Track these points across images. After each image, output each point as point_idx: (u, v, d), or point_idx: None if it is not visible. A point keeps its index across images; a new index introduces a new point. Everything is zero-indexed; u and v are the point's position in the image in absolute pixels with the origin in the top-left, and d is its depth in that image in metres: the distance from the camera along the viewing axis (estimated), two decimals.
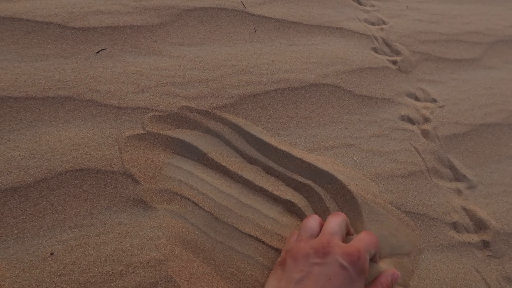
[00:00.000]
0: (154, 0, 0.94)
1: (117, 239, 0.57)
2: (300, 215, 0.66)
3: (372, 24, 1.19)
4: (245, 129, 0.74)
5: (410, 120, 0.91)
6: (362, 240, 0.53)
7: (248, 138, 0.74)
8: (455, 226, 0.73)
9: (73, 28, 0.81)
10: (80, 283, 0.52)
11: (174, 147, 0.70)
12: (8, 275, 0.50)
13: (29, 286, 0.50)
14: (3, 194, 0.57)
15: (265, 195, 0.68)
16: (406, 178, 0.78)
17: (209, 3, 0.99)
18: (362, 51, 1.05)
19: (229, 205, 0.65)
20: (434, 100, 0.99)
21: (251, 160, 0.72)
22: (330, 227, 0.54)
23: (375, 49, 1.08)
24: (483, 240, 0.73)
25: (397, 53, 1.10)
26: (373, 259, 0.56)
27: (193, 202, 0.64)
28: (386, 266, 0.52)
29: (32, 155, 0.62)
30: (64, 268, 0.53)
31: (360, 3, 1.26)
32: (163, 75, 0.80)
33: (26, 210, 0.57)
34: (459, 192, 0.80)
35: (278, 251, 0.61)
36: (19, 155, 0.61)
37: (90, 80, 0.74)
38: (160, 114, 0.73)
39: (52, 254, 0.54)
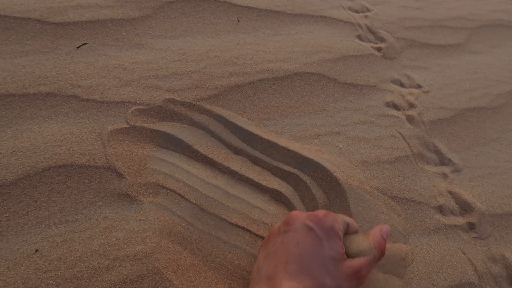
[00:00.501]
0: None
1: (103, 233, 0.57)
2: (287, 204, 0.67)
3: (356, 11, 1.19)
4: (230, 120, 0.74)
5: (395, 106, 0.91)
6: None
7: (233, 129, 0.74)
8: (441, 209, 0.74)
9: (52, 23, 0.80)
10: (66, 279, 0.51)
11: (158, 140, 0.69)
12: None
13: (14, 284, 0.50)
14: None
15: (251, 185, 0.68)
16: (392, 164, 0.78)
17: None
18: (347, 39, 1.05)
19: (216, 196, 0.65)
20: (419, 86, 1.00)
21: (236, 151, 0.72)
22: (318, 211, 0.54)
23: (359, 37, 1.08)
24: (469, 222, 0.74)
25: (382, 40, 1.10)
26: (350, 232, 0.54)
27: (179, 194, 0.63)
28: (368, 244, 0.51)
29: (14, 153, 0.61)
30: (49, 264, 0.52)
31: None
32: (146, 68, 0.79)
33: (9, 208, 0.56)
34: (444, 176, 0.81)
35: None
36: (0, 153, 0.60)
37: (71, 76, 0.73)
38: (144, 107, 0.72)
39: (37, 250, 0.53)
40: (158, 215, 0.60)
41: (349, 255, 0.50)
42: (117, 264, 0.54)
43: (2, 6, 0.79)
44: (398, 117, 0.89)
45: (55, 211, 0.57)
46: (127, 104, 0.72)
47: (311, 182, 0.69)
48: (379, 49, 1.06)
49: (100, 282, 0.52)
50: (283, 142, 0.73)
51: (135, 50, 0.82)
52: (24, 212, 0.56)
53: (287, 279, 0.43)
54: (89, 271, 0.53)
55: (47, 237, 0.55)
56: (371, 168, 0.76)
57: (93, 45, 0.80)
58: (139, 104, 0.73)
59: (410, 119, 0.89)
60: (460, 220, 0.74)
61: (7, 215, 0.55)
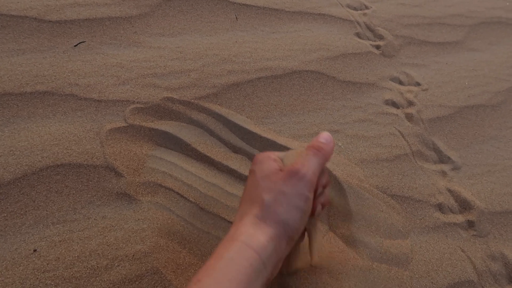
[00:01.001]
0: None
1: (102, 233, 0.56)
2: None
3: (355, 9, 1.18)
4: (228, 119, 0.74)
5: (394, 104, 0.91)
6: None
7: (232, 128, 0.74)
8: (440, 207, 0.74)
9: (49, 21, 0.80)
10: (65, 279, 0.51)
11: (157, 139, 0.69)
12: None
13: (12, 284, 0.50)
14: None
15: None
16: (391, 162, 0.78)
17: None
18: (345, 36, 1.05)
19: (215, 195, 0.65)
20: (418, 84, 0.99)
21: (235, 149, 0.71)
22: None
23: (358, 34, 1.08)
24: (468, 220, 0.74)
25: (380, 37, 1.10)
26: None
27: (177, 193, 0.63)
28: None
29: (11, 152, 0.60)
30: (48, 264, 0.52)
31: None
32: (144, 67, 0.78)
33: (7, 207, 0.56)
34: (443, 174, 0.81)
35: None
36: None
37: (69, 74, 0.73)
38: (142, 106, 0.72)
39: (35, 250, 0.53)
40: (157, 214, 0.60)
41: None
42: (116, 264, 0.54)
43: None
44: (397, 115, 0.89)
45: (53, 210, 0.57)
46: (125, 102, 0.72)
47: None
48: (377, 47, 1.06)
49: (99, 282, 0.52)
50: (282, 140, 0.73)
51: (133, 49, 0.82)
52: (22, 212, 0.56)
53: (236, 223, 0.45)
54: (88, 271, 0.52)
55: (45, 237, 0.54)
56: (371, 166, 0.76)
57: (91, 44, 0.80)
58: (137, 102, 0.72)
59: (409, 117, 0.89)
60: (460, 218, 0.74)
61: (5, 214, 0.55)
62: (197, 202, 0.63)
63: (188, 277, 0.54)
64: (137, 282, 0.53)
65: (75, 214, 0.57)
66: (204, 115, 0.74)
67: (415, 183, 0.76)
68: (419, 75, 1.02)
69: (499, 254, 0.70)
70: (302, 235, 0.52)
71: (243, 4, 1.01)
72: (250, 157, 0.71)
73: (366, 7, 1.21)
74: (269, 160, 0.48)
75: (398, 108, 0.91)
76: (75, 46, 0.78)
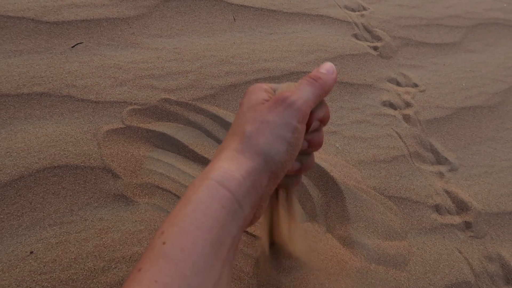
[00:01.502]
0: None
1: (99, 235, 0.56)
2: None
3: (353, 10, 1.19)
4: (226, 120, 0.74)
5: (392, 106, 0.91)
6: None
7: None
8: (437, 208, 0.74)
9: (46, 22, 0.80)
10: (61, 281, 0.51)
11: (154, 140, 0.69)
12: None
13: (9, 286, 0.49)
14: None
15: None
16: (388, 163, 0.78)
17: None
18: (343, 37, 1.05)
19: None
20: (415, 85, 1.00)
21: None
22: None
23: (355, 36, 1.08)
24: (465, 221, 0.74)
25: (378, 39, 1.10)
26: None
27: (175, 195, 0.63)
28: None
29: (8, 154, 0.60)
30: (44, 266, 0.52)
31: None
32: (141, 68, 0.78)
33: (4, 209, 0.55)
34: (441, 175, 0.81)
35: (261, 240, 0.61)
36: None
37: (66, 75, 0.73)
38: (139, 107, 0.72)
39: (31, 252, 0.53)
40: (154, 216, 0.60)
41: None
42: (113, 266, 0.54)
43: None
44: (395, 116, 0.89)
45: (50, 212, 0.57)
46: (123, 104, 0.72)
47: (308, 181, 0.69)
48: (375, 48, 1.06)
49: (96, 284, 0.52)
50: None
51: (130, 50, 0.81)
52: (18, 214, 0.56)
53: (212, 160, 0.40)
54: (85, 273, 0.52)
55: (42, 239, 0.54)
56: (368, 167, 0.76)
57: (88, 45, 0.80)
58: (134, 104, 0.72)
59: (406, 118, 0.89)
60: (457, 219, 0.74)
61: (1, 216, 0.55)
62: None
63: None
64: None
65: (72, 215, 0.57)
66: (202, 117, 0.74)
67: (413, 184, 0.76)
68: (416, 76, 1.02)
69: (496, 255, 0.70)
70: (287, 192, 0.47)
71: (241, 5, 1.01)
72: None
73: (364, 8, 1.21)
74: (259, 90, 0.43)
75: (395, 109, 0.91)
76: (72, 47, 0.78)
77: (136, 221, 0.59)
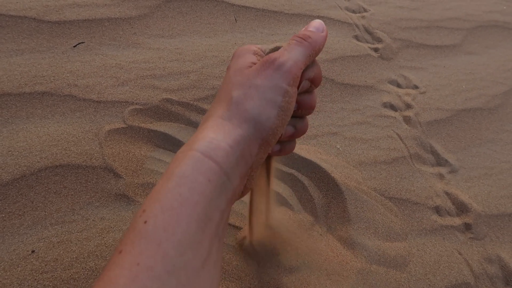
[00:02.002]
0: None
1: (100, 234, 0.56)
2: (284, 204, 0.67)
3: (353, 12, 1.19)
4: None
5: (392, 107, 0.92)
6: None
7: None
8: (437, 210, 0.75)
9: (48, 21, 0.80)
10: (63, 280, 0.51)
11: (155, 140, 0.69)
12: None
13: (10, 285, 0.49)
14: None
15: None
16: (389, 165, 0.78)
17: None
18: (344, 39, 1.05)
19: None
20: (416, 87, 1.00)
21: None
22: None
23: (356, 37, 1.08)
24: (465, 223, 0.74)
25: (379, 40, 1.10)
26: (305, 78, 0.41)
27: None
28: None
29: (10, 153, 0.60)
30: (46, 265, 0.52)
31: None
32: (143, 68, 0.78)
33: (5, 208, 0.56)
34: (441, 176, 0.81)
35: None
36: None
37: (68, 75, 0.73)
38: (141, 107, 0.72)
39: (33, 251, 0.53)
40: None
41: None
42: None
43: None
44: (395, 117, 0.89)
45: (52, 211, 0.57)
46: (124, 103, 0.72)
47: (309, 182, 0.69)
48: (376, 50, 1.07)
49: None
50: None
51: (132, 50, 0.82)
52: (20, 213, 0.56)
53: (197, 129, 0.37)
54: (86, 272, 0.52)
55: (44, 238, 0.54)
56: (369, 168, 0.76)
57: (90, 44, 0.80)
58: (136, 104, 0.72)
59: (407, 120, 0.90)
60: (457, 221, 0.74)
61: (3, 215, 0.55)
62: None
63: None
64: None
65: (73, 215, 0.57)
66: (203, 117, 0.74)
67: (413, 186, 0.76)
68: (417, 78, 1.03)
69: (495, 257, 0.70)
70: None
71: (243, 6, 1.01)
72: None
73: (365, 10, 1.21)
74: (247, 53, 0.40)
75: (396, 111, 0.91)
76: (74, 46, 0.78)
77: None
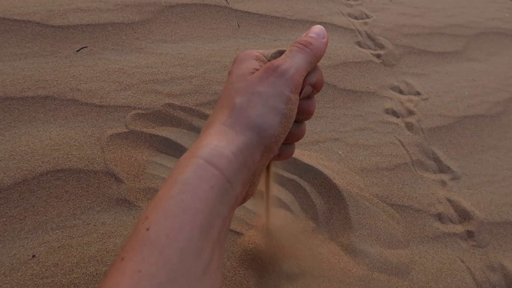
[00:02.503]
0: None
1: (101, 239, 0.56)
2: (286, 210, 0.66)
3: (356, 18, 1.19)
4: None
5: (395, 113, 0.91)
6: None
7: None
8: (440, 217, 0.74)
9: (52, 26, 0.80)
10: (63, 285, 0.51)
11: (157, 145, 0.69)
12: None
13: None
14: None
15: (254, 195, 0.68)
16: (391, 171, 0.78)
17: None
18: (346, 45, 1.05)
19: None
20: (418, 93, 1.00)
21: None
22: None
23: (359, 43, 1.09)
24: (468, 230, 0.74)
25: (381, 46, 1.10)
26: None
27: None
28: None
29: (12, 156, 0.60)
30: (46, 270, 0.52)
31: None
32: (146, 73, 0.79)
33: (6, 212, 0.55)
34: (443, 183, 0.81)
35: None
36: None
37: (71, 79, 0.73)
38: (143, 112, 0.72)
39: (34, 256, 0.53)
40: None
41: None
42: None
43: (2, 8, 0.79)
44: (397, 124, 0.89)
45: (53, 216, 0.57)
46: (127, 108, 0.72)
47: (310, 188, 0.69)
48: (378, 56, 1.07)
49: None
50: None
51: (135, 54, 0.82)
52: (21, 217, 0.56)
53: (199, 136, 0.37)
54: (86, 277, 0.52)
55: (44, 243, 0.54)
56: (371, 175, 0.76)
57: (93, 49, 0.80)
58: (138, 108, 0.72)
59: (409, 126, 0.89)
60: (459, 228, 0.74)
61: (4, 219, 0.55)
62: None
63: None
64: None
65: (74, 219, 0.57)
66: (205, 122, 0.74)
67: (415, 193, 0.76)
68: (419, 84, 1.03)
69: (498, 265, 0.70)
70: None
71: (245, 12, 1.01)
72: None
73: (367, 16, 1.22)
74: (249, 58, 0.40)
75: (398, 117, 0.91)
76: (77, 51, 0.78)
77: None
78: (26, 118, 0.66)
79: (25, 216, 0.56)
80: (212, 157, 0.32)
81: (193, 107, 0.75)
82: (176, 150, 0.69)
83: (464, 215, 0.76)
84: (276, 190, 0.68)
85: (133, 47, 0.83)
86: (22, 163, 0.60)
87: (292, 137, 0.42)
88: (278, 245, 0.60)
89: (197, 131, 0.72)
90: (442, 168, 0.84)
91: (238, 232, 0.61)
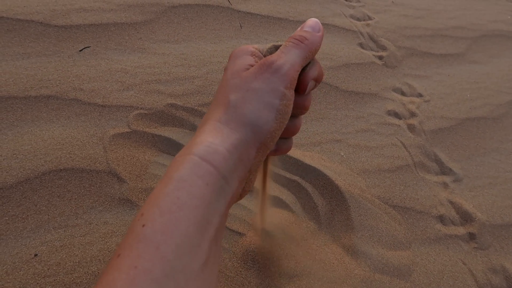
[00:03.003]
0: None
1: (103, 239, 0.56)
2: (288, 211, 0.66)
3: (358, 19, 1.19)
4: None
5: (397, 115, 0.91)
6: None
7: None
8: (441, 219, 0.74)
9: (55, 26, 0.80)
10: (65, 284, 0.51)
11: (160, 145, 0.69)
12: None
13: None
14: None
15: (252, 191, 0.68)
16: (393, 173, 0.78)
17: (194, 0, 0.98)
18: (348, 46, 1.05)
19: None
20: (420, 95, 1.00)
21: None
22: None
23: (361, 45, 1.09)
24: (469, 232, 0.74)
25: (383, 48, 1.10)
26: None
27: None
28: None
29: (15, 156, 0.60)
30: (48, 269, 0.52)
31: None
32: (148, 73, 0.79)
33: (9, 211, 0.56)
34: (445, 185, 0.81)
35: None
36: (0, 155, 0.60)
37: (74, 79, 0.73)
38: (146, 112, 0.72)
39: (36, 255, 0.53)
40: None
41: None
42: None
43: (5, 7, 0.79)
44: (399, 125, 0.89)
45: (55, 215, 0.57)
46: (129, 108, 0.72)
47: (312, 189, 0.69)
48: (380, 57, 1.07)
49: None
50: None
51: (137, 54, 0.82)
52: (23, 216, 0.56)
53: (195, 133, 0.37)
54: (88, 276, 0.52)
55: (47, 242, 0.54)
56: (372, 176, 0.76)
57: (96, 49, 0.80)
58: (141, 108, 0.72)
59: (411, 128, 0.89)
60: (461, 230, 0.74)
61: (6, 218, 0.55)
62: None
63: None
64: None
65: (76, 219, 0.57)
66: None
67: (417, 194, 0.76)
68: (421, 86, 1.03)
69: (500, 267, 0.70)
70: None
71: (248, 13, 1.01)
72: None
73: (370, 18, 1.22)
74: (244, 54, 0.40)
75: (400, 119, 0.91)
76: (80, 51, 0.78)
77: None
78: (29, 117, 0.66)
79: (28, 215, 0.56)
80: (207, 154, 0.32)
81: (195, 107, 0.75)
82: (178, 150, 0.69)
83: (466, 217, 0.76)
84: (278, 191, 0.68)
85: (136, 47, 0.83)
86: (25, 162, 0.60)
87: (287, 132, 0.42)
88: (280, 246, 0.60)
89: None
90: (444, 170, 0.84)
91: (240, 233, 0.61)
